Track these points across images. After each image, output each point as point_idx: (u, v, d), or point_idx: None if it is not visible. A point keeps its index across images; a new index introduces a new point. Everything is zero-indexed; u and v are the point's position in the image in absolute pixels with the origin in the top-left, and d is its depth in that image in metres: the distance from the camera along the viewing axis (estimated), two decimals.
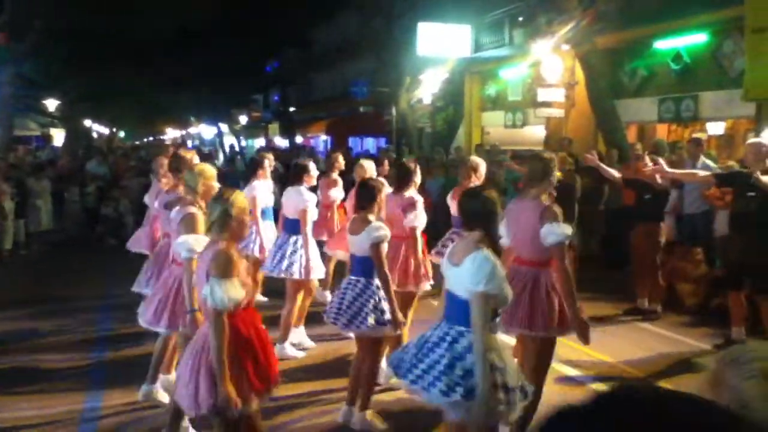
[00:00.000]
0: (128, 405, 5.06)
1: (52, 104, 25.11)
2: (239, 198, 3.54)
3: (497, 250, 3.44)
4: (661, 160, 6.54)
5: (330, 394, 5.26)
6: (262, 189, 7.15)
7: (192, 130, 48.46)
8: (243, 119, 35.15)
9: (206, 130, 42.53)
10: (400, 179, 5.78)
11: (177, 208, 4.58)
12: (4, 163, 12.58)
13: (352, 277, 4.68)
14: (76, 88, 24.73)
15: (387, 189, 5.53)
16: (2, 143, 17.58)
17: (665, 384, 5.43)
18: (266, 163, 7.39)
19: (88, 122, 35.17)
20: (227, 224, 3.44)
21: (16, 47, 17.49)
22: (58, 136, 30.57)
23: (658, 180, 7.03)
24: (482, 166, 6.41)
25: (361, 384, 4.64)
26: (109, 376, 5.72)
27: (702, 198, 8.08)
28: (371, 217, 4.64)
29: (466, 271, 3.25)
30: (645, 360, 6.04)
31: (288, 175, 6.95)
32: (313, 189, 7.03)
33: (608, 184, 9.15)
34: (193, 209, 4.42)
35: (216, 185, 4.60)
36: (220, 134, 35.44)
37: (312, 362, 6.05)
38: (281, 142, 29.35)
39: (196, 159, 5.71)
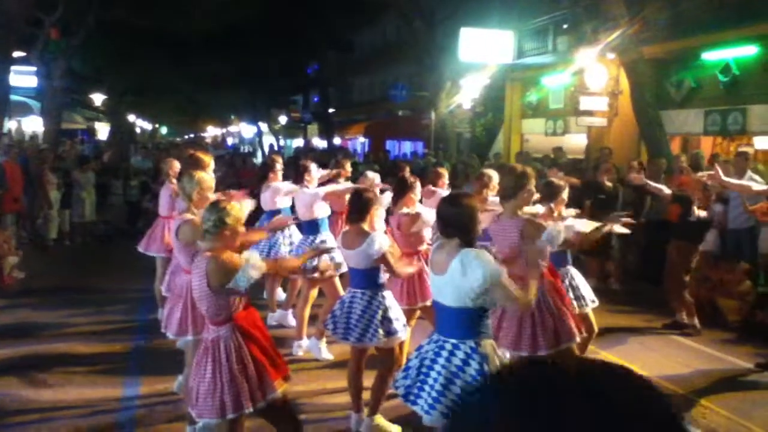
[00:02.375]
0: (165, 393, 5.15)
1: (98, 98, 25.72)
2: (235, 208, 3.56)
3: None
4: (718, 168, 6.34)
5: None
6: (273, 191, 6.99)
7: (232, 128, 49.09)
8: (283, 119, 35.51)
9: (246, 129, 43.05)
10: (396, 194, 5.56)
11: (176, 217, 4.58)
12: (52, 155, 12.92)
13: (356, 291, 4.55)
14: (122, 83, 25.29)
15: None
16: (51, 135, 18.06)
17: (707, 402, 5.32)
18: (277, 166, 7.24)
19: (131, 117, 35.90)
20: (220, 233, 3.47)
21: (67, 42, 17.97)
22: (103, 131, 31.29)
23: (709, 188, 6.86)
24: (495, 179, 6.06)
25: (372, 389, 4.57)
26: (147, 364, 5.83)
27: (747, 213, 7.89)
28: (365, 227, 4.53)
29: (457, 274, 3.17)
30: (684, 376, 5.91)
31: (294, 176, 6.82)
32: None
33: (650, 195, 8.99)
34: (188, 216, 4.39)
35: (212, 196, 4.54)
36: (259, 133, 35.86)
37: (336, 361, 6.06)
38: (320, 143, 29.55)
39: (212, 164, 5.60)
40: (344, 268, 6.14)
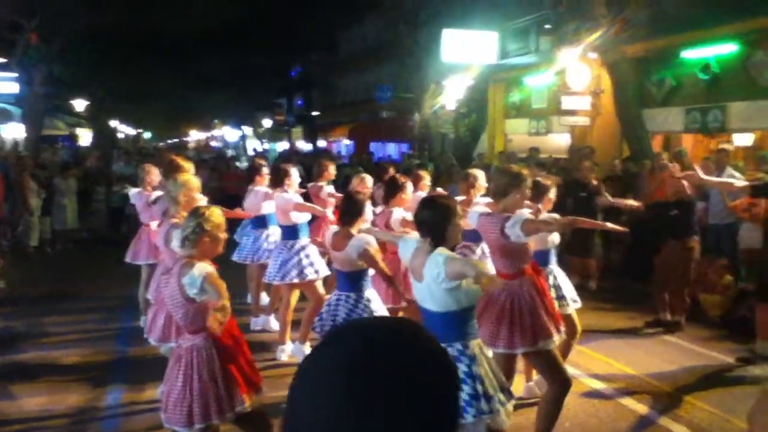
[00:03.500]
0: (149, 400, 5.11)
1: (79, 104, 25.50)
2: (215, 214, 3.49)
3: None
4: (697, 168, 6.37)
5: None
6: (258, 195, 6.96)
7: (216, 132, 48.89)
8: (267, 123, 35.42)
9: (230, 133, 42.89)
10: (387, 194, 5.56)
11: (162, 222, 4.53)
12: (32, 161, 12.78)
13: (341, 293, 4.56)
14: (103, 89, 25.12)
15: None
16: (31, 142, 17.89)
17: (691, 398, 5.35)
18: (264, 170, 7.20)
19: (114, 123, 35.64)
20: (199, 239, 3.41)
21: (47, 47, 17.81)
22: (85, 136, 31.02)
23: (687, 191, 6.89)
24: (481, 178, 6.10)
25: None
26: (130, 371, 5.79)
27: (727, 209, 7.96)
28: (353, 231, 4.54)
29: (431, 280, 3.16)
30: (670, 373, 5.94)
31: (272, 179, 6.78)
32: (305, 197, 6.92)
33: (632, 193, 9.05)
34: (176, 221, 4.32)
35: (199, 197, 4.50)
36: (243, 137, 35.75)
37: None
38: (304, 146, 29.50)
39: (191, 169, 5.54)
40: (326, 272, 6.16)
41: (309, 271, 6.07)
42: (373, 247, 4.50)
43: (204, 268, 3.33)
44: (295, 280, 6.06)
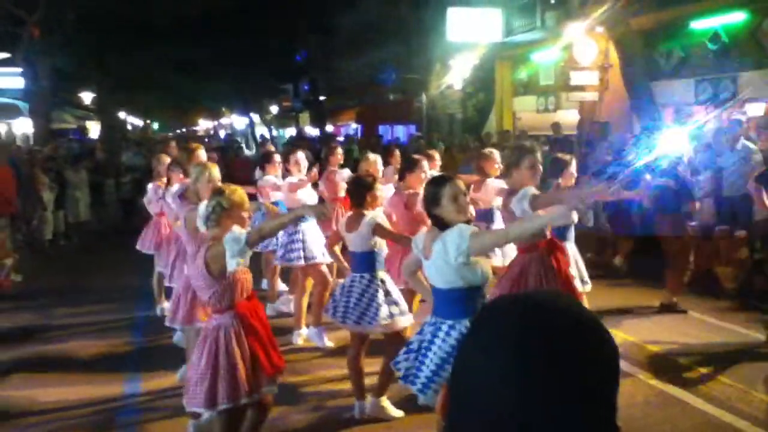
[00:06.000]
0: (166, 389, 5.14)
1: (87, 97, 25.55)
2: (236, 193, 3.51)
3: None
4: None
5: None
6: (270, 183, 7.02)
7: (224, 120, 48.90)
8: (274, 109, 35.35)
9: (238, 121, 42.88)
10: (402, 173, 5.60)
11: (185, 207, 4.55)
12: (42, 155, 12.84)
13: (356, 274, 4.58)
14: (110, 80, 25.12)
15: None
16: (40, 136, 17.95)
17: (709, 371, 5.33)
18: (276, 158, 7.25)
19: (122, 114, 35.69)
20: (220, 219, 3.43)
21: (49, 40, 17.80)
22: (94, 129, 31.11)
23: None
24: (497, 157, 6.12)
25: (380, 372, 4.58)
26: (146, 360, 5.83)
27: (743, 180, 7.86)
28: (365, 211, 4.57)
29: (440, 255, 3.21)
30: (687, 347, 5.91)
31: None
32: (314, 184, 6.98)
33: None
34: (193, 205, 4.34)
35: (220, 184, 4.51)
36: (251, 124, 35.71)
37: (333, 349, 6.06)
38: (312, 131, 29.44)
39: (203, 154, 5.60)
40: (328, 259, 6.18)
41: (311, 254, 6.12)
42: (383, 220, 4.55)
43: (238, 230, 3.37)
44: (300, 263, 6.13)
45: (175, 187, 5.44)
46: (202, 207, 3.59)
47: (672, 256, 6.97)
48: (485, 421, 0.82)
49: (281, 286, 7.57)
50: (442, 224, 3.34)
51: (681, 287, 7.05)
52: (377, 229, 4.47)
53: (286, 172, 6.96)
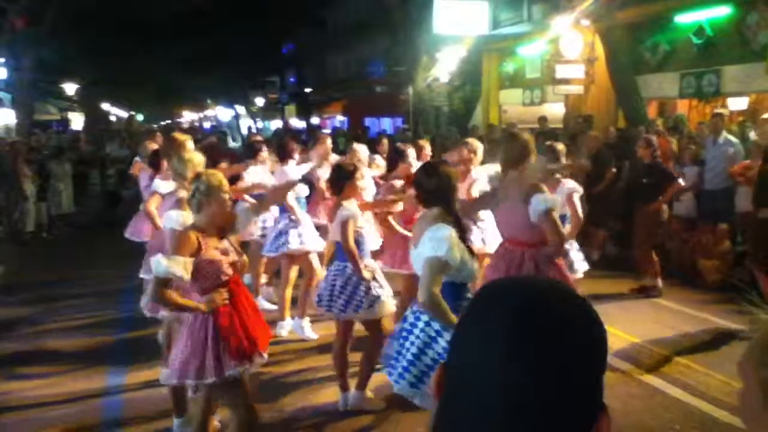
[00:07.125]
0: (151, 383, 5.12)
1: (70, 88, 25.28)
2: (215, 176, 3.46)
3: (460, 225, 3.33)
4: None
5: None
6: (255, 174, 6.98)
7: (209, 112, 48.59)
8: (260, 101, 35.19)
9: (223, 113, 42.64)
10: (390, 163, 5.62)
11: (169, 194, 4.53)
12: (25, 147, 12.71)
13: (339, 263, 4.59)
14: (93, 71, 24.88)
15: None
16: (23, 128, 17.77)
17: (689, 362, 5.39)
18: (263, 151, 7.21)
19: (106, 106, 35.38)
20: (201, 204, 3.39)
21: (35, 31, 17.59)
22: (77, 120, 30.83)
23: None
24: (479, 149, 6.10)
25: (361, 364, 4.60)
26: (131, 354, 5.79)
27: (725, 174, 7.96)
28: (343, 201, 4.57)
29: (423, 247, 3.16)
30: (668, 338, 5.98)
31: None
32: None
33: (627, 161, 9.05)
34: (181, 194, 4.31)
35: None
36: (236, 116, 35.54)
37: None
38: (298, 124, 29.34)
39: (190, 144, 5.47)
40: (320, 248, 6.18)
41: (299, 241, 6.11)
42: (355, 218, 4.49)
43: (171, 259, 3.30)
44: (289, 248, 6.09)
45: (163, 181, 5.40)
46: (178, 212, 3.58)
47: (638, 238, 7.35)
48: (476, 402, 0.84)
49: (263, 278, 7.52)
50: (448, 212, 3.31)
51: (652, 263, 7.27)
52: (341, 228, 4.47)
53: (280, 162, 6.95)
